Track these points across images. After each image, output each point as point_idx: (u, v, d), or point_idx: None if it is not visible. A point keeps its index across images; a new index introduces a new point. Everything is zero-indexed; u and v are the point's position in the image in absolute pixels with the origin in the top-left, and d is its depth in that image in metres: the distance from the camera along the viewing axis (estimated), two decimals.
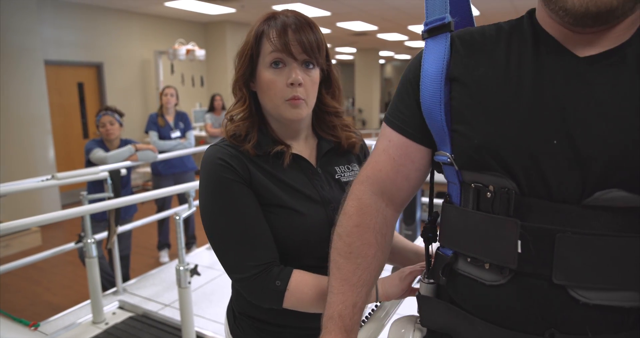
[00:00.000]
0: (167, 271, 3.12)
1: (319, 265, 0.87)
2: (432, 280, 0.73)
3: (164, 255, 3.77)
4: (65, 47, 5.65)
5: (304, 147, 0.92)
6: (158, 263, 3.65)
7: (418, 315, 0.75)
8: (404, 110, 0.69)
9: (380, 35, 9.66)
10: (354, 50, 13.01)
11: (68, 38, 5.68)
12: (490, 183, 0.60)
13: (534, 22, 0.62)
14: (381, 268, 0.71)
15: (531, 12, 0.64)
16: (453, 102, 0.63)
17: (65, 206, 5.31)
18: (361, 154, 1.00)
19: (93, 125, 6.16)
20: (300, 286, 0.79)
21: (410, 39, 10.47)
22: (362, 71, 13.02)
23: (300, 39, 0.81)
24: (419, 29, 8.78)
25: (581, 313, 0.56)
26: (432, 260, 0.74)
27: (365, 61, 12.92)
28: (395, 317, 0.86)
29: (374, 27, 8.45)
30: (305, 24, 0.83)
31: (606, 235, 0.54)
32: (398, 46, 12.13)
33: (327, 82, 0.91)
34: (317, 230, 0.85)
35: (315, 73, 0.86)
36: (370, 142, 3.37)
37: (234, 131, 0.86)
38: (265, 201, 0.84)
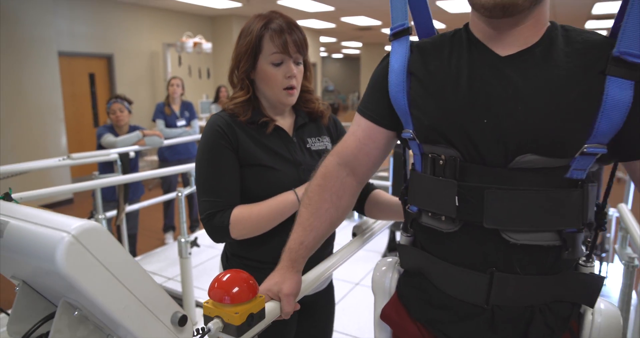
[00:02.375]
0: (171, 249, 3.34)
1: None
2: (409, 233, 0.89)
3: (169, 237, 3.98)
4: (78, 39, 5.87)
5: (284, 121, 1.14)
6: (163, 245, 3.87)
7: (397, 258, 0.93)
8: (372, 100, 0.86)
9: (384, 30, 9.78)
10: (359, 44, 13.12)
11: (81, 30, 5.90)
12: (442, 153, 0.74)
13: (468, 31, 0.79)
14: (333, 222, 0.89)
15: (467, 25, 0.80)
16: (411, 91, 0.78)
17: (76, 192, 5.55)
18: (331, 126, 1.22)
19: (103, 114, 6.39)
20: (239, 219, 1.01)
21: (415, 34, 10.55)
22: (367, 65, 13.14)
23: (295, 40, 1.04)
24: None
25: (512, 253, 0.71)
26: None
27: (371, 55, 13.03)
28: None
29: (378, 22, 8.57)
30: (294, 26, 1.06)
31: (526, 189, 0.69)
32: None
33: (303, 68, 1.13)
34: (289, 185, 1.06)
35: (302, 66, 1.10)
36: None
37: (233, 110, 1.08)
38: (248, 162, 1.05)
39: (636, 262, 1.35)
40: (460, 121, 0.72)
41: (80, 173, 5.64)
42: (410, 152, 0.88)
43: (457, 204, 0.72)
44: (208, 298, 0.70)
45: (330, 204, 0.87)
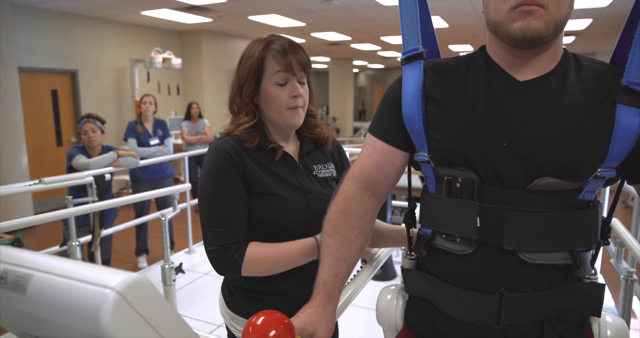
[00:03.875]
0: (149, 274, 3.18)
1: None
2: (413, 256, 0.89)
3: (143, 261, 3.81)
4: (39, 54, 5.62)
5: (289, 148, 1.09)
6: (136, 269, 3.69)
7: (402, 284, 0.91)
8: (386, 122, 0.85)
9: (353, 45, 9.94)
10: (328, 59, 13.27)
11: (42, 45, 5.66)
12: (459, 176, 0.76)
13: (485, 55, 0.81)
14: (362, 248, 0.86)
15: (482, 48, 0.83)
16: (428, 114, 0.80)
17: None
18: (335, 152, 1.17)
19: (67, 132, 6.12)
20: (254, 258, 0.95)
21: (383, 49, 10.79)
22: (336, 79, 13.27)
23: (298, 59, 1.00)
24: (391, 39, 9.10)
25: (526, 273, 0.73)
26: (414, 240, 0.90)
27: (339, 70, 13.18)
28: (370, 282, 1.00)
29: (347, 38, 8.70)
30: (297, 46, 1.02)
31: (544, 211, 0.72)
32: (371, 56, 12.46)
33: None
34: (298, 213, 1.01)
35: (307, 86, 1.05)
36: (345, 149, 3.55)
37: (239, 136, 1.02)
38: (256, 190, 1.00)
39: (634, 276, 1.38)
40: (480, 143, 0.74)
41: (43, 194, 5.35)
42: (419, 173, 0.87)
43: (478, 225, 0.73)
44: None
45: (358, 230, 0.84)
